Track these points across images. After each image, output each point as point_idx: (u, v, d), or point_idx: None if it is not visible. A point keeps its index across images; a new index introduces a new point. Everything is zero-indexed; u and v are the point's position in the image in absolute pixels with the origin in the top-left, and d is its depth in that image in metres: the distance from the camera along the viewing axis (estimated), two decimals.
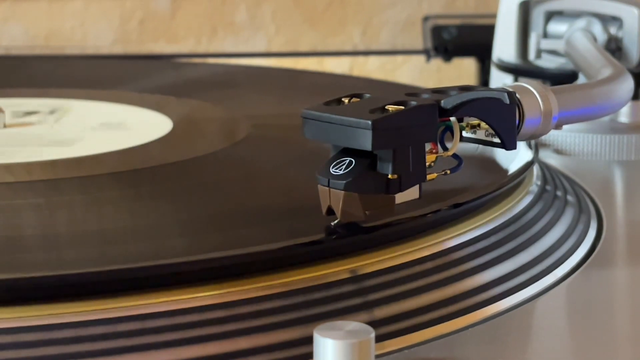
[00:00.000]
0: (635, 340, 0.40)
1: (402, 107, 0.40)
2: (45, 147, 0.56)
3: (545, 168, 0.56)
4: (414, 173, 0.40)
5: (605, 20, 0.66)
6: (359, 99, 0.42)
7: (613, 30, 0.65)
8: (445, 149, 0.42)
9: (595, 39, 0.64)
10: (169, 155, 0.55)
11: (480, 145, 0.44)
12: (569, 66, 0.65)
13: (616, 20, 0.65)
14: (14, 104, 0.66)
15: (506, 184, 0.49)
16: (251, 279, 0.39)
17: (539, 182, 0.52)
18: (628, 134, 0.64)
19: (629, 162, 0.63)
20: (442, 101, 0.41)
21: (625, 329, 0.42)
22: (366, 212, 0.40)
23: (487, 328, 0.40)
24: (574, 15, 0.67)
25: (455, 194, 0.46)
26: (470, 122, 0.43)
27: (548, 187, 0.52)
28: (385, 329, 0.39)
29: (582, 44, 0.62)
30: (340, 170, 0.40)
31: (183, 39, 0.98)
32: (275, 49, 0.99)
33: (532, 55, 0.67)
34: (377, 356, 0.36)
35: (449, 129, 0.42)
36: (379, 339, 0.37)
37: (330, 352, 0.33)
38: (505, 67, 0.69)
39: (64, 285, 0.37)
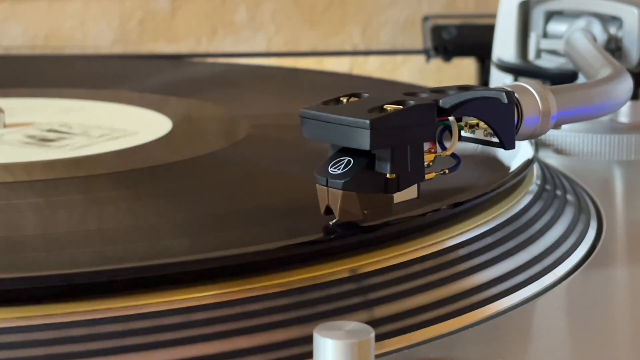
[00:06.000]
0: (635, 340, 0.40)
1: (401, 107, 0.40)
2: (44, 147, 0.56)
3: (545, 167, 0.56)
4: (413, 172, 0.40)
5: (605, 20, 0.66)
6: (357, 99, 0.42)
7: (613, 30, 0.65)
8: (443, 148, 0.42)
9: (595, 39, 0.64)
10: (169, 155, 0.55)
11: (480, 145, 0.44)
12: (569, 66, 0.65)
13: (616, 20, 0.65)
14: (17, 105, 0.66)
15: (506, 183, 0.49)
16: (250, 279, 0.39)
17: (538, 182, 0.52)
18: (628, 134, 0.64)
19: (629, 162, 0.63)
20: (440, 101, 0.41)
21: (625, 329, 0.42)
22: (364, 211, 0.40)
23: (486, 328, 0.40)
24: (574, 15, 0.67)
25: (454, 193, 0.46)
26: (469, 122, 0.43)
27: (548, 187, 0.52)
28: (384, 328, 0.39)
29: (582, 43, 0.62)
30: (339, 169, 0.40)
31: (183, 39, 0.98)
32: (275, 48, 0.99)
33: (531, 55, 0.67)
34: (376, 356, 0.36)
35: (448, 128, 0.42)
36: (379, 338, 0.37)
37: (330, 352, 0.33)
38: (505, 67, 0.69)
39: (63, 284, 0.37)
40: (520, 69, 0.69)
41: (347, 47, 1.00)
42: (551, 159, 0.63)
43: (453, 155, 0.43)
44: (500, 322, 0.41)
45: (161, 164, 0.53)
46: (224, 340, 0.37)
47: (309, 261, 0.40)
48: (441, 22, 0.88)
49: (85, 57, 0.94)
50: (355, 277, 0.40)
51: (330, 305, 0.39)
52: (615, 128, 0.64)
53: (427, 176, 0.41)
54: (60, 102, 0.67)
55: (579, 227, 0.50)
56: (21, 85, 0.74)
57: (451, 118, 0.42)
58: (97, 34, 0.98)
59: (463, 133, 0.43)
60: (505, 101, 0.42)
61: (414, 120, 0.40)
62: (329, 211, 0.40)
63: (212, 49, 0.98)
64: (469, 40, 0.87)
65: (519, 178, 0.50)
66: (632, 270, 0.47)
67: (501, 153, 0.49)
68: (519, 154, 0.52)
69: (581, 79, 0.63)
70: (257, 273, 0.39)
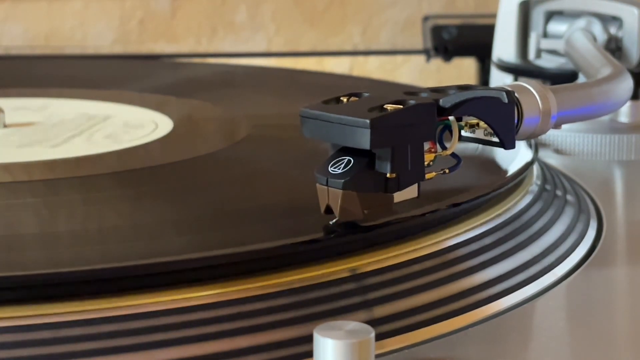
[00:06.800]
0: (635, 340, 0.40)
1: (401, 106, 0.40)
2: (44, 147, 0.56)
3: (545, 167, 0.56)
4: (413, 172, 0.40)
5: (605, 20, 0.66)
6: (357, 98, 0.42)
7: (613, 30, 0.65)
8: (444, 148, 0.42)
9: (595, 39, 0.64)
10: (169, 155, 0.55)
11: (480, 145, 0.44)
12: (569, 66, 0.65)
13: (616, 20, 0.65)
14: (17, 105, 0.66)
15: (506, 184, 0.49)
16: (250, 278, 0.39)
17: (538, 182, 0.52)
18: (628, 134, 0.64)
19: (629, 162, 0.63)
20: (440, 100, 0.41)
21: (625, 329, 0.42)
22: (364, 210, 0.40)
23: (487, 328, 0.40)
24: (574, 15, 0.67)
25: (454, 193, 0.46)
26: (469, 121, 0.43)
27: (548, 187, 0.52)
28: (384, 328, 0.39)
29: (582, 43, 0.62)
30: (339, 169, 0.40)
31: (183, 39, 0.98)
32: (275, 49, 0.99)
33: (532, 55, 0.67)
34: (376, 356, 0.36)
35: (448, 128, 0.42)
36: (379, 338, 0.37)
37: (330, 352, 0.33)
38: (505, 67, 0.69)
39: (62, 284, 0.37)
40: (521, 69, 0.68)
41: (347, 47, 1.00)
42: (551, 159, 0.63)
43: (453, 154, 0.43)
44: (500, 322, 0.41)
45: (161, 164, 0.53)
46: (224, 339, 0.37)
47: (309, 261, 0.40)
48: (441, 22, 0.88)
49: (85, 57, 0.94)
50: (355, 277, 0.40)
51: (330, 305, 0.39)
52: (615, 128, 0.64)
53: (427, 176, 0.41)
54: (61, 102, 0.67)
55: (579, 227, 0.50)
56: (21, 85, 0.74)
57: (451, 117, 0.42)
58: (97, 34, 0.98)
59: (463, 133, 0.43)
60: (506, 101, 0.42)
61: (414, 120, 0.40)
62: (329, 210, 0.40)
63: (212, 49, 0.98)
64: (469, 40, 0.87)
65: (518, 179, 0.50)
66: (632, 270, 0.47)
67: (501, 153, 0.49)
68: (520, 154, 0.52)
69: (581, 79, 0.63)
70: (257, 272, 0.39)
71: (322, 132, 0.40)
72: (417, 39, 0.92)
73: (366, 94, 0.42)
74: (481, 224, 0.46)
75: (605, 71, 0.54)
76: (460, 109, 0.41)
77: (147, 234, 0.42)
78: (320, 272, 0.40)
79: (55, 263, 0.39)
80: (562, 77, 0.65)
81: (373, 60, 1.02)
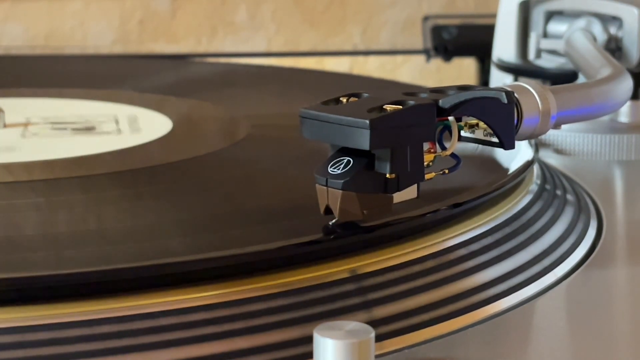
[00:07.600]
0: (635, 340, 0.40)
1: (400, 107, 0.40)
2: (44, 147, 0.56)
3: (545, 167, 0.56)
4: (412, 172, 0.40)
5: (605, 20, 0.66)
6: (357, 99, 0.42)
7: (613, 30, 0.65)
8: (443, 148, 0.42)
9: (595, 39, 0.64)
10: (169, 155, 0.55)
11: (480, 145, 0.44)
12: (569, 66, 0.65)
13: (616, 20, 0.65)
14: (17, 105, 0.66)
15: (506, 184, 0.49)
16: (250, 279, 0.39)
17: (538, 182, 0.52)
18: (628, 134, 0.64)
19: (629, 162, 0.63)
20: (440, 100, 0.41)
21: (625, 329, 0.42)
22: (364, 211, 0.40)
23: (487, 328, 0.40)
24: (574, 15, 0.67)
25: (454, 193, 0.46)
26: (469, 122, 0.43)
27: (548, 187, 0.52)
28: (384, 329, 0.39)
29: (582, 43, 0.62)
30: (338, 169, 0.40)
31: (183, 39, 0.98)
32: (275, 49, 0.99)
33: (531, 55, 0.67)
34: (376, 356, 0.36)
35: (447, 128, 0.42)
36: (379, 338, 0.37)
37: (330, 352, 0.33)
38: (505, 67, 0.69)
39: (63, 285, 0.37)
40: (520, 69, 0.69)
41: (347, 47, 1.00)
42: (551, 159, 0.63)
43: (453, 155, 0.43)
44: (500, 322, 0.41)
45: (161, 164, 0.53)
46: (224, 340, 0.37)
47: (309, 262, 0.40)
48: (441, 22, 0.88)
49: (85, 57, 0.94)
50: (355, 278, 0.40)
51: (330, 306, 0.39)
52: (615, 128, 0.64)
53: (426, 176, 0.41)
54: (61, 102, 0.67)
55: (579, 227, 0.50)
56: (21, 85, 0.74)
57: (451, 118, 0.42)
58: (97, 34, 0.98)
59: (463, 133, 0.43)
60: (505, 101, 0.42)
61: (414, 120, 0.40)
62: (328, 211, 0.40)
63: (212, 49, 0.98)
64: (469, 40, 0.87)
65: (518, 179, 0.50)
66: (632, 270, 0.47)
67: (501, 153, 0.49)
68: (519, 154, 0.52)
69: (581, 79, 0.63)
70: (257, 273, 0.39)
71: (322, 133, 0.40)
72: (417, 39, 0.92)
73: (365, 95, 0.42)
74: (481, 224, 0.46)
75: (605, 71, 0.54)
76: (459, 109, 0.41)
77: (147, 234, 0.42)
78: (319, 273, 0.40)
79: (54, 264, 0.39)
80: (562, 77, 0.65)
81: (373, 60, 1.02)
